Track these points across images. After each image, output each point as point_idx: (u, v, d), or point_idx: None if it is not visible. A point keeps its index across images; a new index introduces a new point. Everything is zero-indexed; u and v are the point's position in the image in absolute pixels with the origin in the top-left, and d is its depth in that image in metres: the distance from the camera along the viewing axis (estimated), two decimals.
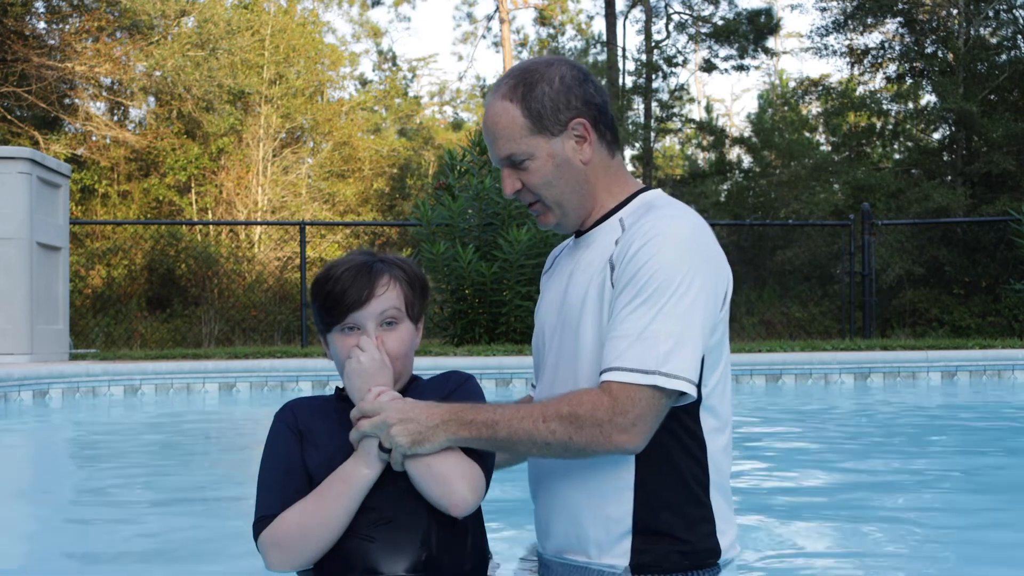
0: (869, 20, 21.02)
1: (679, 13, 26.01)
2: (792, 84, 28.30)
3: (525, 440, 1.96)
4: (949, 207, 17.22)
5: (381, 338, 2.05)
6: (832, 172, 21.57)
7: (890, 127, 22.22)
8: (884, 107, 21.87)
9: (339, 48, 28.00)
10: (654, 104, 25.92)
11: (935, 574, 2.61)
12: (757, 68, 36.47)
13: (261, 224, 20.87)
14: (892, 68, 21.58)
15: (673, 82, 26.61)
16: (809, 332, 15.71)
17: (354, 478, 1.98)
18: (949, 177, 19.40)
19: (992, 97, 19.32)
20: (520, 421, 1.96)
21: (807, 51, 23.48)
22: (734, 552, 2.18)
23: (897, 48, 21.17)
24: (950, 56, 19.66)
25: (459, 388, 2.12)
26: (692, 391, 1.97)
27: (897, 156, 22.22)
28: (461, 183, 10.96)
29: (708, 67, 25.79)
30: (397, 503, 2.01)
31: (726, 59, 25.14)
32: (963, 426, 6.22)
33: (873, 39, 21.86)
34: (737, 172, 26.83)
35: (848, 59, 21.88)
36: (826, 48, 21.73)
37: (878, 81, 23.00)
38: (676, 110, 27.19)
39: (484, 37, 34.08)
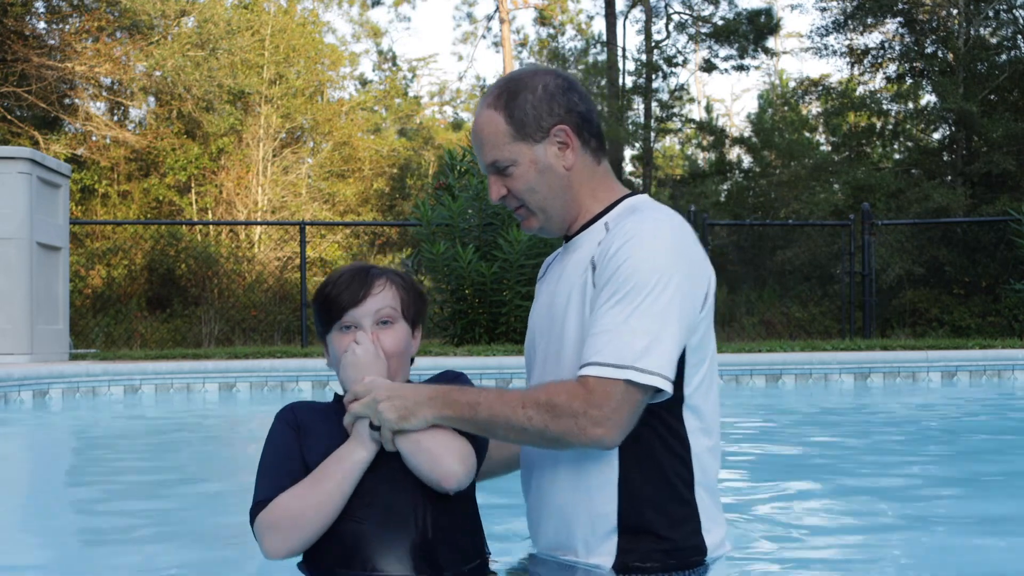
0: (869, 20, 21.02)
1: (679, 13, 26.03)
2: (792, 84, 28.29)
3: (503, 423, 2.00)
4: (949, 207, 17.21)
5: (377, 335, 2.12)
6: (832, 172, 21.56)
7: (890, 127, 22.21)
8: (884, 107, 21.87)
9: (339, 48, 28.00)
10: (654, 104, 25.93)
11: (935, 574, 2.61)
12: (757, 68, 36.53)
13: (261, 224, 20.88)
14: (892, 68, 21.58)
15: (673, 82, 26.64)
16: (809, 332, 15.71)
17: (348, 460, 2.03)
18: (949, 177, 19.40)
19: (992, 97, 19.32)
20: (501, 405, 2.00)
21: (807, 51, 23.51)
22: (723, 550, 2.19)
23: (897, 48, 21.17)
24: (950, 56, 19.65)
25: (451, 383, 2.17)
26: (667, 387, 2.00)
27: (897, 156, 22.22)
28: (461, 183, 10.96)
29: (708, 67, 25.79)
30: (391, 487, 2.04)
31: (726, 59, 25.15)
32: (963, 426, 6.22)
33: (873, 39, 21.88)
34: (737, 172, 26.83)
35: (848, 59, 21.89)
36: (826, 48, 21.74)
37: (878, 81, 23.01)
38: (676, 110, 27.20)
39: (484, 37, 34.13)
